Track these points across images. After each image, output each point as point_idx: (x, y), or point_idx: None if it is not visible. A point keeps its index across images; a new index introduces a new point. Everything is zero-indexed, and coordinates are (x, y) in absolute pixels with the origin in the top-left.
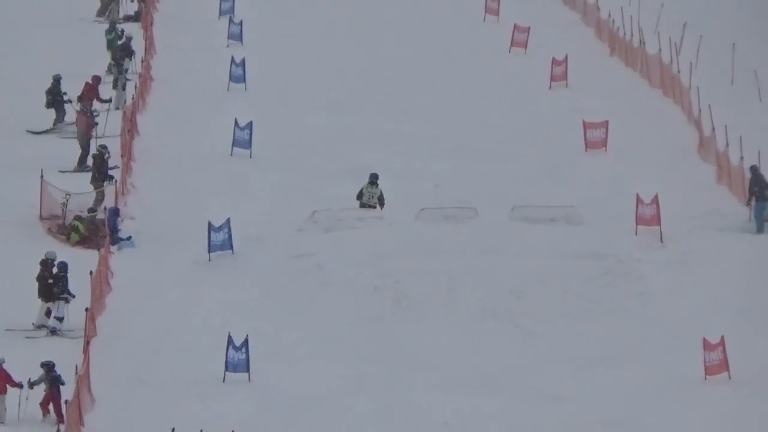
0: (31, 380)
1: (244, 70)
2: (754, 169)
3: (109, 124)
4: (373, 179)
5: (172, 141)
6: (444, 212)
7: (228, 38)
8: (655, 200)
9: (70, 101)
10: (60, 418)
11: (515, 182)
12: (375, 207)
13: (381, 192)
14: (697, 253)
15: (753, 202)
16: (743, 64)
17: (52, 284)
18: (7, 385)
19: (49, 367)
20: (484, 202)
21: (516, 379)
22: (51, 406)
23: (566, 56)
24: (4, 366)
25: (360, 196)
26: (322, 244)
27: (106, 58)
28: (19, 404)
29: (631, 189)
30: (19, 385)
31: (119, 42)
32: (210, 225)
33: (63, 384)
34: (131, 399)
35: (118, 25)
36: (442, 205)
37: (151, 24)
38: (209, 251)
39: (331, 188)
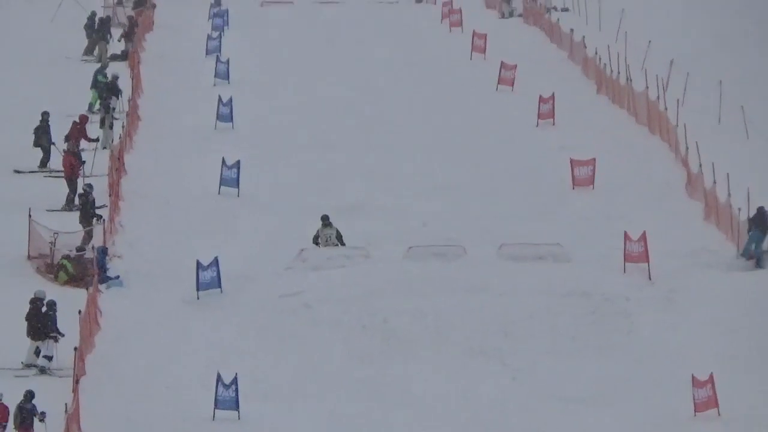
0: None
1: (231, 109)
2: (761, 211)
3: (96, 164)
4: (325, 220)
5: (160, 180)
6: (432, 250)
7: (215, 77)
8: (643, 237)
9: (53, 144)
10: None
11: (503, 220)
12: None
13: (338, 231)
14: (685, 290)
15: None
16: (730, 101)
17: (42, 322)
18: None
19: (25, 397)
20: (472, 239)
21: (504, 416)
22: None
23: (553, 94)
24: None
25: (316, 239)
26: (310, 283)
27: (88, 96)
28: None
29: (618, 226)
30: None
31: (106, 80)
32: (198, 264)
33: (40, 417)
34: None
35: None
36: (431, 243)
37: (138, 63)
38: (198, 290)
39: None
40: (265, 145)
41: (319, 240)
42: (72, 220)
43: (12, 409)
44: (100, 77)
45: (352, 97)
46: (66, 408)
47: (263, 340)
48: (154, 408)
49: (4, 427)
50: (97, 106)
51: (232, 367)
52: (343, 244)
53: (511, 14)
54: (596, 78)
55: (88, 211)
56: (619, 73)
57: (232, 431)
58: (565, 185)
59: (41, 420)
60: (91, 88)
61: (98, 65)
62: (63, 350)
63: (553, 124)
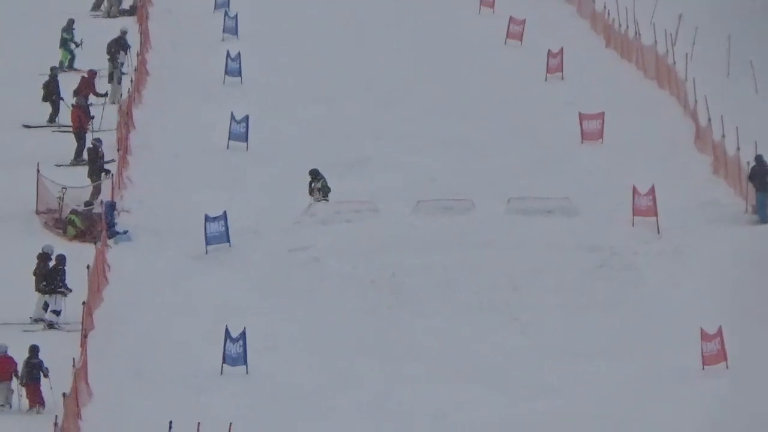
0: (20, 374)
1: (239, 64)
2: (759, 159)
3: (105, 118)
4: (313, 174)
5: (169, 135)
6: (440, 204)
7: (223, 32)
8: (652, 191)
9: (62, 99)
10: (39, 403)
11: (511, 174)
12: (323, 200)
13: (323, 184)
14: (693, 244)
15: (756, 194)
16: (739, 55)
17: (50, 277)
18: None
19: (31, 351)
20: (481, 194)
21: (512, 371)
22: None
23: (562, 48)
24: (9, 353)
25: (311, 192)
26: (319, 237)
27: (58, 55)
28: (16, 393)
29: (627, 180)
30: (16, 375)
31: (70, 37)
32: (206, 216)
33: (44, 371)
34: (129, 392)
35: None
36: (439, 198)
37: (147, 18)
38: (206, 244)
39: (329, 180)
40: (273, 99)
41: (312, 194)
42: (80, 174)
43: (19, 364)
44: (65, 35)
45: (360, 53)
46: (74, 362)
47: (271, 294)
48: (162, 362)
49: (10, 379)
50: (66, 63)
51: (240, 321)
52: (326, 196)
53: None
54: (605, 32)
55: (96, 166)
56: (627, 27)
57: (240, 386)
58: (573, 139)
59: (46, 375)
60: (60, 47)
61: (66, 25)
62: (71, 305)
63: (562, 79)
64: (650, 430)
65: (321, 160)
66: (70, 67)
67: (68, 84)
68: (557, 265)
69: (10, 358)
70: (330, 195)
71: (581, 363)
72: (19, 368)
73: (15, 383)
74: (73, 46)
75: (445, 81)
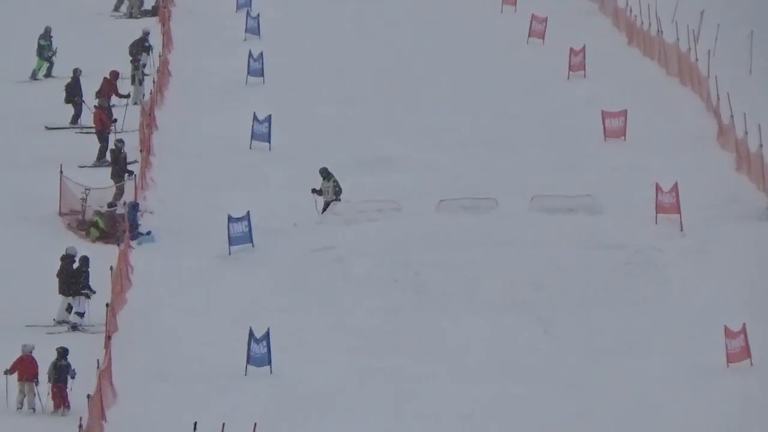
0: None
1: (262, 64)
2: None
3: (127, 120)
4: (324, 173)
5: (191, 135)
6: (464, 203)
7: (245, 32)
8: (675, 188)
9: (83, 102)
10: (65, 405)
11: (534, 172)
12: (335, 200)
13: (335, 183)
14: (716, 241)
15: None
16: (761, 52)
17: (74, 279)
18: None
19: (60, 354)
20: (504, 192)
21: (536, 369)
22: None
23: (584, 46)
24: (34, 354)
25: (320, 193)
26: (342, 237)
27: (35, 63)
28: (37, 396)
29: (650, 178)
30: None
31: (47, 44)
32: (229, 217)
33: (71, 374)
34: (153, 393)
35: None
36: (462, 196)
37: (169, 19)
38: (229, 245)
39: (351, 180)
40: (296, 99)
41: (323, 195)
42: (103, 175)
43: (42, 365)
44: (42, 42)
45: (382, 52)
46: (98, 364)
47: (295, 294)
48: (186, 364)
49: (33, 379)
50: (41, 72)
51: (264, 322)
52: (339, 197)
53: None
54: (627, 30)
55: (119, 167)
56: (649, 24)
57: (265, 386)
58: (596, 137)
59: (72, 377)
60: (38, 56)
61: (43, 33)
62: (95, 307)
63: (584, 77)
64: (675, 428)
65: (344, 159)
66: (48, 75)
67: (89, 85)
68: (581, 263)
69: (34, 359)
70: (352, 195)
71: (605, 361)
72: (45, 370)
73: (35, 387)
74: (50, 54)
75: (468, 79)
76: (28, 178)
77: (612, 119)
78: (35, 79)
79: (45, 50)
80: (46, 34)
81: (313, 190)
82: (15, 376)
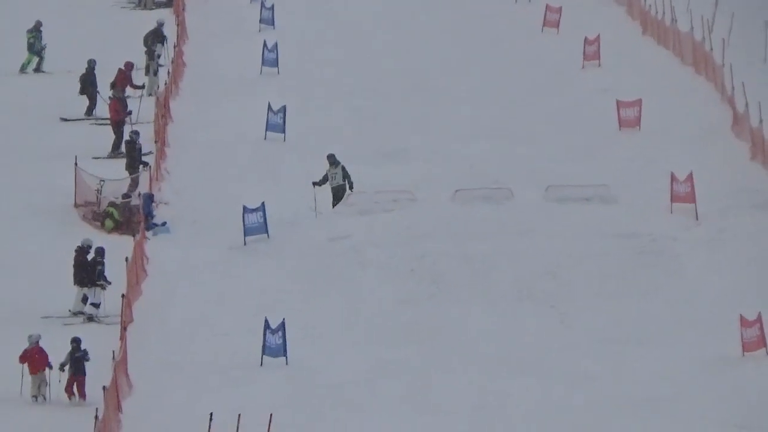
0: (61, 363)
1: (276, 55)
2: None
3: (142, 111)
4: (331, 159)
5: (206, 126)
6: (479, 193)
7: (260, 22)
8: (690, 178)
9: (98, 93)
10: (83, 397)
11: (549, 162)
12: (343, 186)
13: (343, 169)
14: (732, 230)
15: None
16: None
17: (89, 270)
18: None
19: (76, 344)
20: (519, 182)
21: (551, 359)
22: (75, 388)
23: (598, 35)
24: (41, 344)
25: (325, 180)
26: (358, 227)
27: (26, 58)
28: (48, 386)
29: (665, 167)
30: (49, 366)
31: (35, 38)
32: (244, 207)
33: (87, 360)
34: (169, 384)
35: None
36: (478, 186)
37: (183, 10)
38: (245, 235)
39: (366, 170)
40: (311, 89)
41: (329, 181)
42: (118, 167)
43: (57, 358)
44: (29, 36)
45: (397, 42)
46: (113, 355)
47: (310, 285)
48: (202, 355)
49: (44, 370)
50: (31, 66)
51: (279, 312)
52: (350, 182)
53: None
54: (641, 19)
55: (134, 158)
56: (664, 14)
57: (280, 376)
58: (611, 126)
59: (87, 360)
60: (29, 51)
61: (33, 27)
62: (110, 297)
63: (599, 66)
64: (691, 417)
65: (359, 150)
66: (38, 69)
67: (104, 77)
68: (596, 252)
69: (42, 349)
70: (368, 185)
71: (621, 350)
72: (57, 361)
73: (48, 375)
74: (39, 48)
75: (483, 69)
76: (43, 170)
77: (627, 109)
78: (23, 73)
79: (35, 44)
80: (35, 29)
81: (314, 183)
82: (27, 369)
